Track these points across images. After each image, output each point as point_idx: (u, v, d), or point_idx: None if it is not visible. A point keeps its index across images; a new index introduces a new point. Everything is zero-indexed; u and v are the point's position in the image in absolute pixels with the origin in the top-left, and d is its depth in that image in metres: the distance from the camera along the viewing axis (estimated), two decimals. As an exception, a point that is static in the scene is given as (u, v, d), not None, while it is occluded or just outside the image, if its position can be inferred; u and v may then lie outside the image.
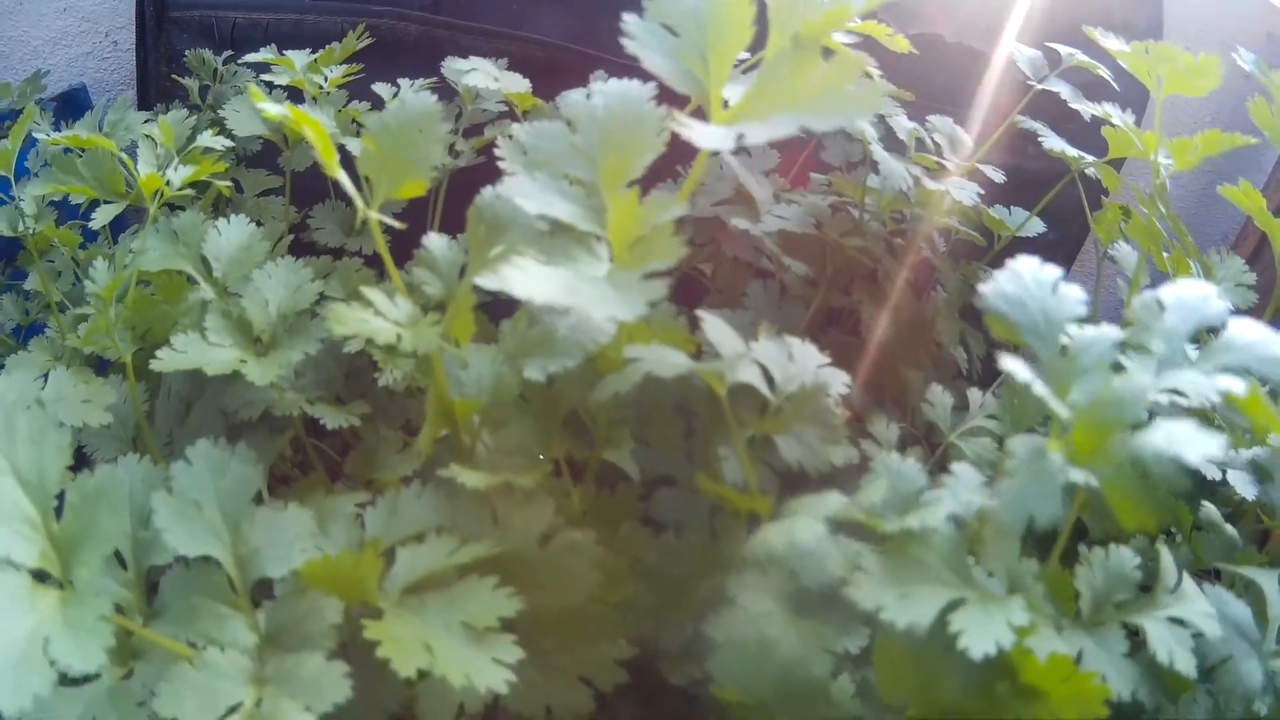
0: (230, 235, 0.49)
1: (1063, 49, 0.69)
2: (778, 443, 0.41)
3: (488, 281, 0.30)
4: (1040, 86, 0.66)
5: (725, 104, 0.30)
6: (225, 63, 0.78)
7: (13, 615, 0.25)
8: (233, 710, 0.28)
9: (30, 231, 0.63)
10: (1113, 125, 0.60)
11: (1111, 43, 0.56)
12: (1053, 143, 0.62)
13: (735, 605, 0.37)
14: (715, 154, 0.69)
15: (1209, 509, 0.54)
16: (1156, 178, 0.54)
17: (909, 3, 0.93)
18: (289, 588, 0.31)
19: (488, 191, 0.38)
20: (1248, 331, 0.28)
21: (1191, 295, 0.29)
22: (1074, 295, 0.29)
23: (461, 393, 0.41)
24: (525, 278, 0.28)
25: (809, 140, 0.75)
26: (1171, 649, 0.31)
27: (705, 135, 0.28)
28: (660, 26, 0.30)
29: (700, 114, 0.30)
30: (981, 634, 0.26)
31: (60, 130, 0.61)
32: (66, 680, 0.33)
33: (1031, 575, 0.31)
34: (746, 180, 0.64)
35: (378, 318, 0.34)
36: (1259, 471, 0.58)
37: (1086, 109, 0.63)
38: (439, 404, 0.40)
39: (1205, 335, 0.33)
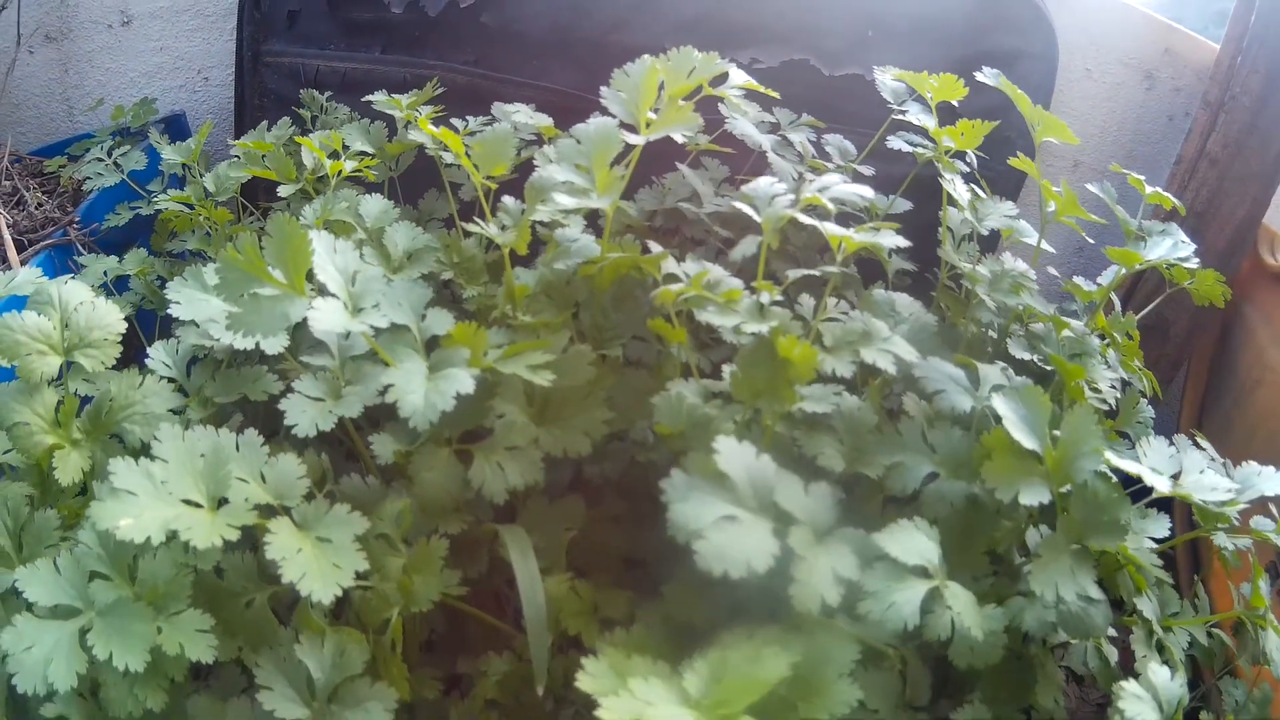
0: (373, 203, 0.99)
1: (930, 81, 1.17)
2: (695, 312, 0.89)
3: (543, 212, 0.79)
4: (899, 109, 1.15)
5: (647, 124, 0.79)
6: (328, 99, 1.30)
7: (340, 311, 0.73)
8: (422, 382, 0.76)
9: (214, 205, 1.14)
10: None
11: (888, 74, 1.05)
12: (896, 144, 1.10)
13: (669, 389, 0.84)
14: (676, 169, 1.19)
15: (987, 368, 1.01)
16: (937, 155, 1.01)
17: (838, 51, 1.45)
18: (440, 347, 0.79)
19: (536, 174, 0.87)
20: (845, 186, 0.77)
21: (833, 178, 0.78)
22: (772, 189, 0.78)
23: (519, 282, 0.89)
24: (563, 198, 0.77)
25: (750, 156, 1.25)
26: (875, 357, 0.78)
27: (634, 139, 0.77)
28: (618, 91, 0.80)
29: (634, 130, 0.80)
30: (755, 327, 0.73)
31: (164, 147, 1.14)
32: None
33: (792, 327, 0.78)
34: (695, 182, 1.14)
35: (483, 232, 0.83)
36: (1033, 342, 1.04)
37: (928, 123, 1.11)
38: (507, 288, 0.89)
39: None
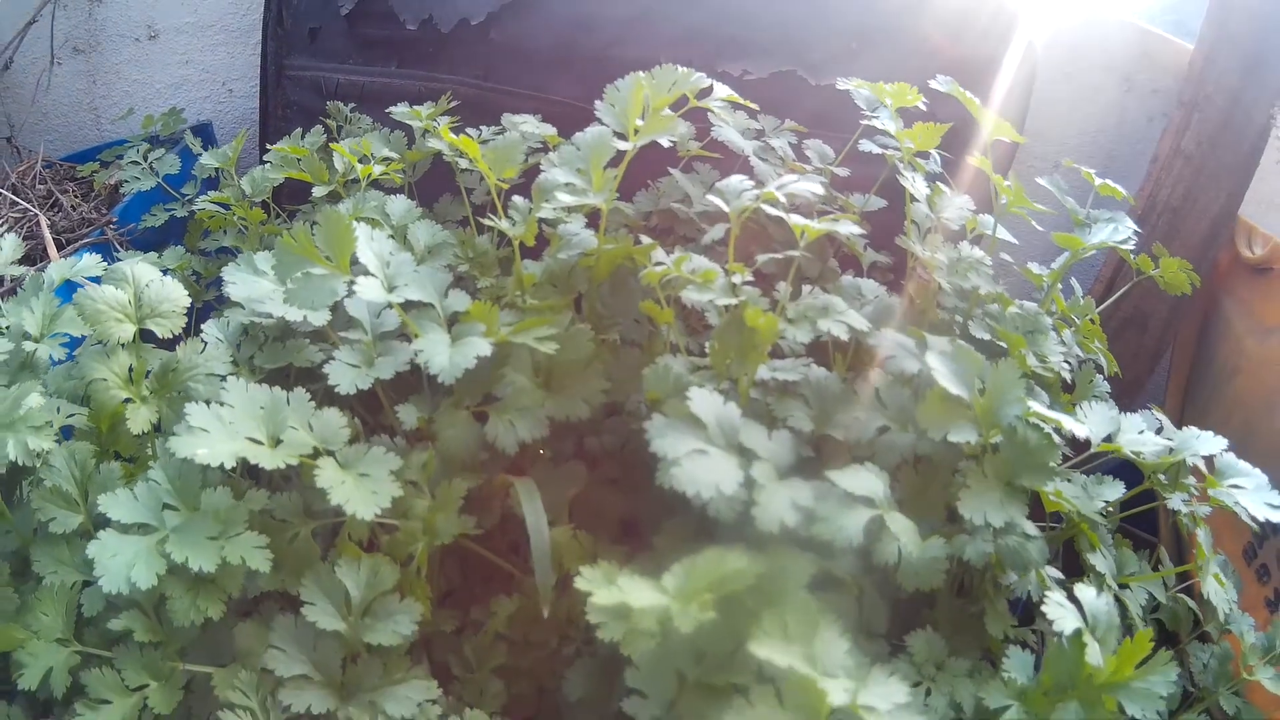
0: (399, 203, 1.18)
1: (887, 89, 1.35)
2: (681, 296, 1.07)
3: (546, 210, 0.97)
4: (872, 115, 1.33)
5: (635, 132, 0.98)
6: (352, 111, 1.50)
7: (379, 287, 0.92)
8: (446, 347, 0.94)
9: (249, 205, 1.33)
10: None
11: (852, 82, 1.24)
12: (868, 147, 1.29)
13: (658, 362, 1.02)
14: (669, 172, 1.38)
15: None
16: (904, 155, 1.20)
17: (823, 62, 1.63)
18: (459, 322, 0.97)
19: (541, 176, 1.06)
20: (800, 184, 0.95)
21: (791, 178, 0.96)
22: (741, 186, 0.96)
23: (526, 272, 1.08)
24: (565, 196, 0.96)
25: (738, 160, 1.43)
26: (830, 326, 0.96)
27: (624, 145, 0.96)
28: (610, 104, 0.98)
29: (624, 138, 0.98)
30: (725, 301, 0.91)
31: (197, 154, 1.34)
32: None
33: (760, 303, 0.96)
34: (686, 185, 1.32)
35: (497, 225, 1.02)
36: (990, 322, 1.22)
37: (891, 127, 1.29)
38: (516, 277, 1.07)
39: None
